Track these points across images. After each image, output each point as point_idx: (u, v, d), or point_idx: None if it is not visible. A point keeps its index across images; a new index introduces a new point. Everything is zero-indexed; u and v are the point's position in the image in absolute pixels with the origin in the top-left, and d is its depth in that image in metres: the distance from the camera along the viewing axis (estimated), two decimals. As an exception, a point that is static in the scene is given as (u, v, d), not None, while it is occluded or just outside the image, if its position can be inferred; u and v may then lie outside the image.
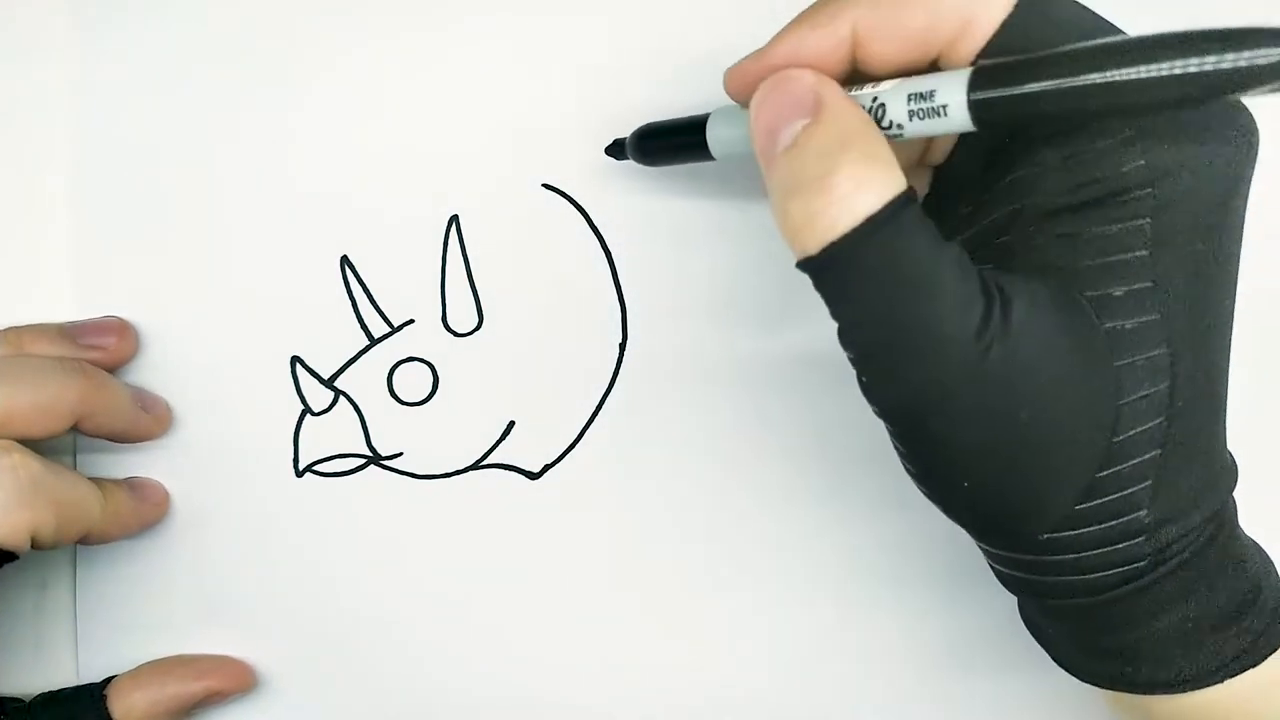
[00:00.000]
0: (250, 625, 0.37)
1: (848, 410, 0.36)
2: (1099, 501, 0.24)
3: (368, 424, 0.37)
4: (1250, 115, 0.24)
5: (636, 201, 0.36)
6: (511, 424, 0.37)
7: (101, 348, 0.34)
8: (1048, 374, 0.23)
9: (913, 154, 0.29)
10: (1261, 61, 0.19)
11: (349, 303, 0.36)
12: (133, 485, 0.35)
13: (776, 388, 0.36)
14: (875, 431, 0.26)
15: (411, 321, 0.37)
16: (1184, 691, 0.26)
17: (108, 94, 0.36)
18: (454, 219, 0.36)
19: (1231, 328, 0.26)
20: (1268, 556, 0.28)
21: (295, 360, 0.36)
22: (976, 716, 0.38)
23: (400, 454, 0.37)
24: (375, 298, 0.36)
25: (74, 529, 0.32)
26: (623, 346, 0.37)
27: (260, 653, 0.37)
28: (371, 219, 0.36)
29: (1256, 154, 0.24)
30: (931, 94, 0.23)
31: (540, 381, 0.37)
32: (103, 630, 0.36)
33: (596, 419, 0.37)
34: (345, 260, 0.36)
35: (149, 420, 0.35)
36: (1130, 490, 0.24)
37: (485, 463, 0.37)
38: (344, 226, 0.36)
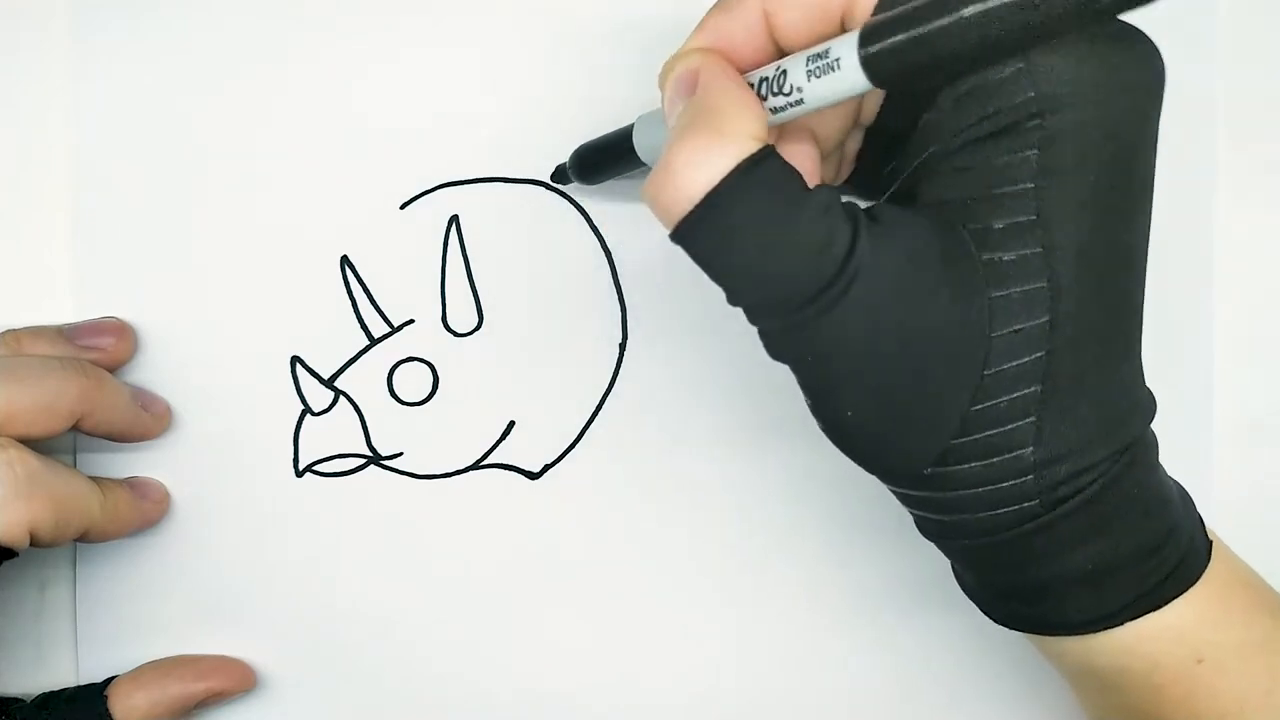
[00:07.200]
0: (250, 625, 0.37)
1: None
2: (976, 437, 0.24)
3: (368, 424, 0.37)
4: (1152, 46, 0.24)
5: (636, 201, 0.36)
6: (511, 424, 0.37)
7: (100, 348, 0.34)
8: (914, 305, 0.23)
9: (845, 118, 0.29)
10: None
11: (349, 303, 0.36)
12: (133, 484, 0.35)
13: (776, 387, 0.36)
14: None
15: (411, 321, 0.37)
16: (1084, 634, 0.26)
17: (108, 94, 0.36)
18: (454, 219, 0.36)
19: (1141, 263, 0.25)
20: (1188, 499, 0.27)
21: (295, 360, 0.36)
22: (978, 712, 0.38)
23: (400, 454, 0.37)
24: (375, 298, 0.36)
25: (73, 525, 0.31)
26: (623, 346, 0.37)
27: (260, 653, 0.37)
28: (371, 219, 0.36)
29: (1161, 85, 0.24)
30: (826, 52, 0.24)
31: (540, 381, 0.37)
32: (103, 630, 0.36)
33: (596, 419, 0.37)
34: (345, 260, 0.36)
35: (149, 419, 0.35)
36: (1009, 426, 0.24)
37: (485, 463, 0.37)
38: (344, 226, 0.36)
